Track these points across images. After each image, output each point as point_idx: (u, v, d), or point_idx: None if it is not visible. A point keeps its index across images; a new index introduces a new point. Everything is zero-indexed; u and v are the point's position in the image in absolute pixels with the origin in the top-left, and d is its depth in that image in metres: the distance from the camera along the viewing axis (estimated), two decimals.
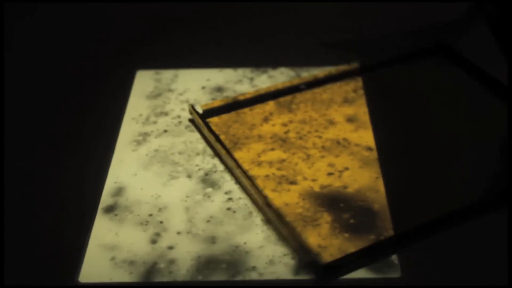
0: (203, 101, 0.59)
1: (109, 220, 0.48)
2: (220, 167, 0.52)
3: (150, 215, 0.48)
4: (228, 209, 0.48)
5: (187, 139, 0.55)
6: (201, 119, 0.55)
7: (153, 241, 0.46)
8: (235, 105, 0.58)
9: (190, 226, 0.47)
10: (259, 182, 0.50)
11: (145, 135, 0.55)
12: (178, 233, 0.46)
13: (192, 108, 0.56)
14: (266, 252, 0.45)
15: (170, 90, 0.61)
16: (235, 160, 0.51)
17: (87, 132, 0.56)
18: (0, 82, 0.61)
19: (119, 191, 0.50)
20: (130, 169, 0.52)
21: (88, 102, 0.60)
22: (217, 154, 0.53)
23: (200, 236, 0.46)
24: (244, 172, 0.49)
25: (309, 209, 0.47)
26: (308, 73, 0.62)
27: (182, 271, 0.44)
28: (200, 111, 0.57)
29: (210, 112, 0.57)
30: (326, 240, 0.45)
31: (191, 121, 0.57)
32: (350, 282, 0.43)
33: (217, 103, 0.57)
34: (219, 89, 0.60)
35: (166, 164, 0.52)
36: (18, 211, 0.49)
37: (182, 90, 0.61)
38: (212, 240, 0.46)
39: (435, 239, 0.46)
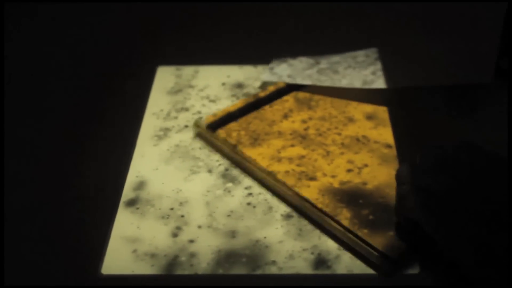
0: (223, 97, 0.59)
1: (131, 214, 0.48)
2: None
3: (171, 209, 0.48)
4: (248, 204, 0.49)
5: None
6: (209, 131, 0.54)
7: (174, 235, 0.46)
8: (238, 113, 0.57)
9: (211, 220, 0.47)
10: (279, 178, 0.50)
11: (166, 130, 0.56)
12: (199, 227, 0.47)
13: (197, 125, 0.55)
14: (286, 247, 0.45)
15: (191, 86, 0.61)
16: (249, 161, 0.51)
17: (109, 127, 0.57)
18: (0, 80, 0.61)
19: (140, 185, 0.51)
20: (152, 163, 0.53)
21: (110, 98, 0.60)
22: (235, 162, 0.53)
23: (220, 230, 0.47)
24: (264, 170, 0.50)
25: (328, 205, 0.48)
26: (327, 60, 0.62)
27: (203, 265, 0.44)
28: (204, 126, 0.55)
29: (215, 124, 0.55)
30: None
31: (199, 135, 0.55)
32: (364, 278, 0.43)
33: (220, 114, 0.56)
34: (239, 85, 0.61)
35: (187, 159, 0.53)
36: (41, 204, 0.49)
37: (202, 86, 0.61)
38: (233, 234, 0.46)
39: None
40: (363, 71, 0.60)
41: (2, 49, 0.66)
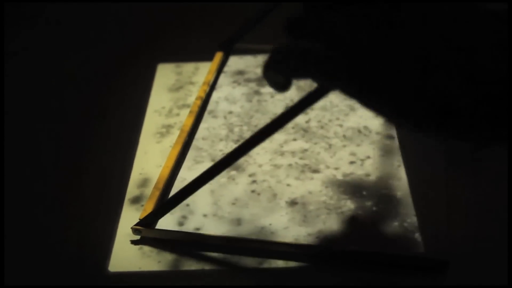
0: (224, 84, 0.60)
1: (136, 211, 0.48)
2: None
3: None
4: (253, 191, 0.49)
5: (210, 125, 0.55)
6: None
7: (180, 224, 0.47)
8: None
9: (216, 209, 0.48)
10: (282, 171, 0.50)
11: (169, 127, 0.56)
12: (205, 215, 0.47)
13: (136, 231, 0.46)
14: (291, 233, 0.46)
15: (192, 83, 0.61)
16: None
17: (111, 125, 0.57)
18: None
19: (144, 182, 0.51)
20: (155, 160, 0.53)
21: (111, 97, 0.61)
22: None
23: (226, 218, 0.47)
24: None
25: (332, 197, 0.48)
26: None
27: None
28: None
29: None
30: (349, 230, 0.46)
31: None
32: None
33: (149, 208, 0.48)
34: (240, 72, 0.61)
35: (190, 149, 0.53)
36: (47, 203, 0.50)
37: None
38: (238, 222, 0.47)
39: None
40: None
41: (2, 48, 0.67)
